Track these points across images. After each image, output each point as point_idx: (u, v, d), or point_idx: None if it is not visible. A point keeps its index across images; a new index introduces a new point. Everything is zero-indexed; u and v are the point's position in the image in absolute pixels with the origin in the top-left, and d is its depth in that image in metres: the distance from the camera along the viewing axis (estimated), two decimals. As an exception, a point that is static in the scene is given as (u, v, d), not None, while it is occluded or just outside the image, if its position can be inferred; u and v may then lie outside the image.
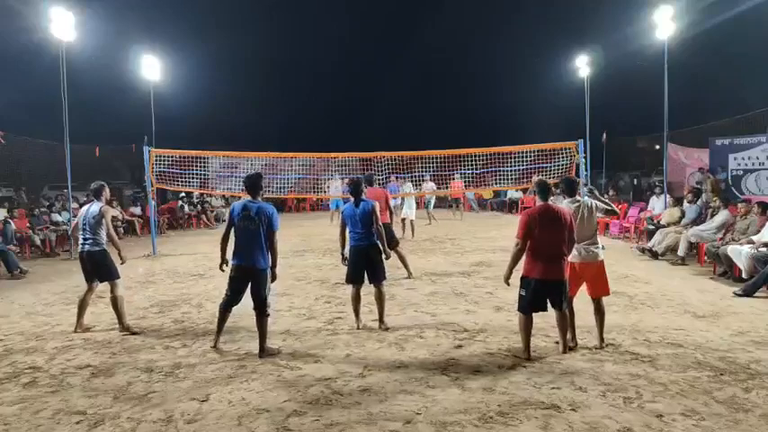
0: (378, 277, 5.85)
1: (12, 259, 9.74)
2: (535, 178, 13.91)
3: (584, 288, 5.22)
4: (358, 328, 5.84)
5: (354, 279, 5.91)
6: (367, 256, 5.84)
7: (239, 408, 3.96)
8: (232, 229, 5.11)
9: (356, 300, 5.93)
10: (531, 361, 4.76)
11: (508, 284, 4.91)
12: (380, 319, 5.85)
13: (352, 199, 6.00)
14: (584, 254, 5.09)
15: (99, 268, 5.90)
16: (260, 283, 5.01)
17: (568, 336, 5.04)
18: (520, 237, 4.79)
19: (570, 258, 4.97)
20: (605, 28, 25.73)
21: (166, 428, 3.68)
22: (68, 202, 13.33)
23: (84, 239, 5.87)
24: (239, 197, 20.65)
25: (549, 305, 4.86)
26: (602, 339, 5.13)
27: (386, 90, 38.35)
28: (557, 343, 5.11)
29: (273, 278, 5.16)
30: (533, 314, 4.88)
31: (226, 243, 5.24)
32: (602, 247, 5.25)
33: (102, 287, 6.16)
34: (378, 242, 5.88)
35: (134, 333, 5.84)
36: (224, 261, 5.32)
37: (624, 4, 23.59)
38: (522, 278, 4.86)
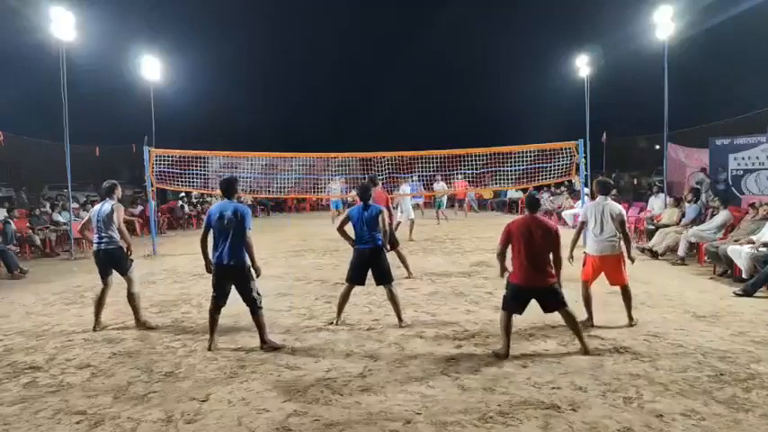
0: (386, 279, 5.91)
1: (12, 259, 9.75)
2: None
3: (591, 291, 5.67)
4: (335, 324, 5.94)
5: (352, 278, 5.98)
6: (371, 259, 5.89)
7: (239, 408, 3.96)
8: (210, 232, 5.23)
9: (344, 298, 6.04)
10: (509, 358, 4.81)
11: (503, 278, 5.20)
12: (399, 318, 5.91)
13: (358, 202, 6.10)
14: (604, 247, 5.67)
15: (119, 263, 6.07)
16: (243, 280, 5.16)
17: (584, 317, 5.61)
18: (500, 243, 5.07)
19: (588, 251, 5.76)
20: (605, 28, 25.72)
21: (166, 428, 3.68)
22: (68, 202, 13.33)
23: (100, 238, 6.03)
24: (239, 196, 20.77)
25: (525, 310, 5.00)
26: (630, 318, 5.79)
27: (386, 90, 38.35)
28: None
29: (257, 273, 5.29)
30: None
31: (205, 244, 5.33)
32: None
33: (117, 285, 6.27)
34: (381, 243, 5.94)
35: (150, 328, 5.97)
36: (208, 262, 5.34)
37: (624, 4, 23.62)
38: (507, 281, 5.06)
